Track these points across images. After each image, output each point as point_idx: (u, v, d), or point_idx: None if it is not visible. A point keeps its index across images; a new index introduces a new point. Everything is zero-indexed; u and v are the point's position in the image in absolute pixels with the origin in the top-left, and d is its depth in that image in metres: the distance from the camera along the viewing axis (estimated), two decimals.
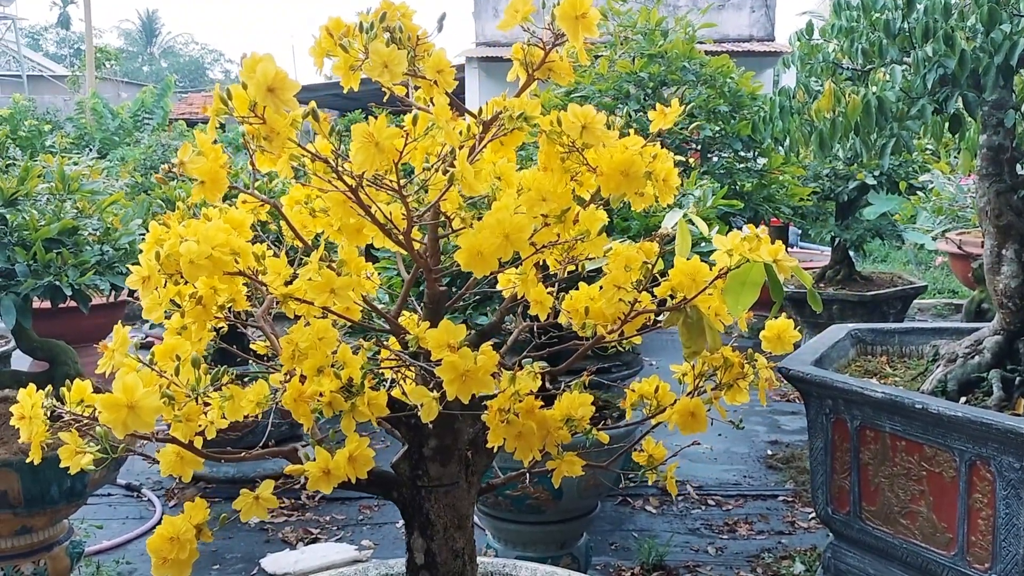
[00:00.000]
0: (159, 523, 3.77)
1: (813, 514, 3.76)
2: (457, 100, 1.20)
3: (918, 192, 5.76)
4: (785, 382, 2.86)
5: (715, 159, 4.47)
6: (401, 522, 3.81)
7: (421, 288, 1.47)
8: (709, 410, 1.40)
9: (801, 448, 4.63)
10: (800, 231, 10.47)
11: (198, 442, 1.18)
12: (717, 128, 4.27)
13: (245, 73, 1.03)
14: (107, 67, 23.61)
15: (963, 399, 2.72)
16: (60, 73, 27.53)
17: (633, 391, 1.45)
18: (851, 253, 6.22)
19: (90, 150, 8.80)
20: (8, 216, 2.77)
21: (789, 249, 9.85)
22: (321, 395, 1.13)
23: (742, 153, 4.40)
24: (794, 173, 4.54)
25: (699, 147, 4.41)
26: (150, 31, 50.31)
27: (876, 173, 5.46)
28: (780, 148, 3.12)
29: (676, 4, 14.05)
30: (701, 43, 5.07)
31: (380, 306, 1.44)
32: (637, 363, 4.35)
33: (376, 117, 1.08)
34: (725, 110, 4.26)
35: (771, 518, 3.82)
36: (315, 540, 3.64)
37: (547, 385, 1.33)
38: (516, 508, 2.88)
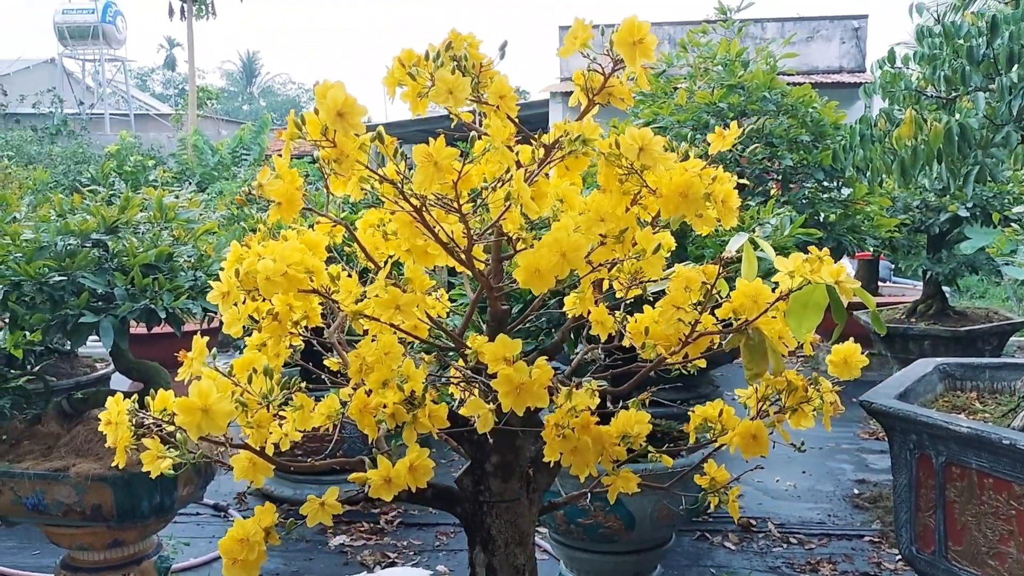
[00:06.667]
0: None
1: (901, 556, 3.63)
2: (521, 126, 1.24)
3: (1012, 224, 5.55)
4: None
5: (797, 189, 4.40)
6: None
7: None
8: (772, 433, 1.39)
9: (889, 487, 4.47)
10: (892, 265, 10.13)
11: (269, 450, 1.24)
12: (798, 158, 4.21)
13: (317, 99, 1.09)
14: (209, 106, 24.73)
15: None
16: (165, 112, 28.90)
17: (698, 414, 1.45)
18: (944, 288, 6.01)
19: (190, 183, 9.22)
20: (109, 243, 2.93)
21: (881, 283, 9.43)
22: (385, 406, 1.18)
23: (825, 183, 4.32)
24: (880, 204, 4.43)
25: (780, 177, 4.35)
26: (250, 72, 52.44)
27: (969, 204, 5.29)
28: (863, 177, 3.07)
29: (764, 36, 13.95)
30: (788, 75, 5.02)
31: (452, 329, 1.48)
32: (716, 395, 4.28)
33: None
34: (807, 139, 4.21)
35: (856, 559, 3.70)
36: (392, 564, 3.69)
37: (613, 406, 1.35)
38: (589, 537, 2.87)
